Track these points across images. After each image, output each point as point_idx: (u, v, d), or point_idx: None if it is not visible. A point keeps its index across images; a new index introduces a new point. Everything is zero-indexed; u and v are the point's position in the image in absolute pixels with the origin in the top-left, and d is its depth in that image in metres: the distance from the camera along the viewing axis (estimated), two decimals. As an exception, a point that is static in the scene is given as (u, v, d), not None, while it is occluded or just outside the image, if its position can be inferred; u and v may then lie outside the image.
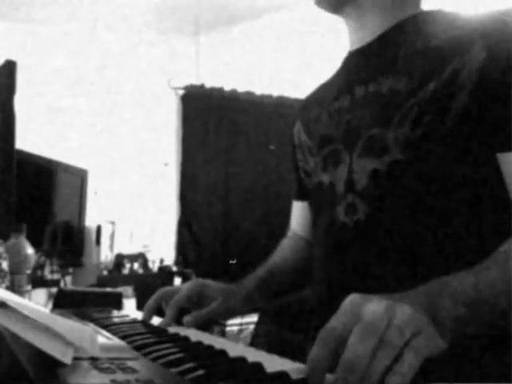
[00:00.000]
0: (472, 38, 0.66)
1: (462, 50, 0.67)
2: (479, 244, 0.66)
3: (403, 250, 0.69)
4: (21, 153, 1.58)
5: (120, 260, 3.04)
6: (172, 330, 0.72)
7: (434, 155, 0.67)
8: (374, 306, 0.45)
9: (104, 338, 0.63)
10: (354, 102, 0.78)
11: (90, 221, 2.54)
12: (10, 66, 1.42)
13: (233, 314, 0.87)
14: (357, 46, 0.84)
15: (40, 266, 1.95)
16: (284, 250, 0.99)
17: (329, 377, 0.43)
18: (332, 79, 0.91)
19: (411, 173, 0.68)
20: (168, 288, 0.85)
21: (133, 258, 3.11)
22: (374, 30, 0.80)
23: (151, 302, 0.82)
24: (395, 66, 0.73)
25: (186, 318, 0.77)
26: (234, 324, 2.69)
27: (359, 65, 0.81)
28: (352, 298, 0.47)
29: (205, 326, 0.78)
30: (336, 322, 0.45)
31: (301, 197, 0.97)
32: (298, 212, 1.00)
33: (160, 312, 0.81)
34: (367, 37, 0.81)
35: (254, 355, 0.52)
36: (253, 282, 0.90)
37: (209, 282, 0.88)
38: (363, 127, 0.74)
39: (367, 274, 0.71)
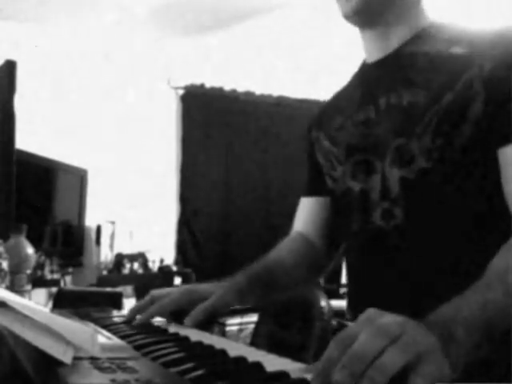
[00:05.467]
0: (480, 51, 0.73)
1: (472, 63, 0.73)
2: None
3: (443, 253, 0.74)
4: (21, 153, 1.58)
5: (120, 260, 3.04)
6: (172, 329, 0.72)
7: (457, 162, 0.73)
8: (389, 318, 0.46)
9: (104, 337, 0.63)
10: (379, 114, 0.82)
11: (90, 221, 2.54)
12: (10, 66, 1.42)
13: (229, 309, 0.87)
14: (376, 56, 0.88)
15: (40, 266, 1.95)
16: (281, 250, 0.99)
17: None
18: (351, 88, 0.95)
19: (439, 179, 0.74)
20: (159, 292, 0.84)
21: (133, 257, 3.11)
22: (394, 41, 0.85)
23: (141, 303, 0.82)
24: (413, 78, 0.79)
25: (186, 319, 0.77)
26: (233, 324, 2.69)
27: (380, 76, 0.85)
28: (369, 311, 0.48)
29: (205, 325, 0.78)
30: (352, 328, 0.46)
31: (312, 193, 1.01)
32: (307, 208, 1.02)
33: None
34: (387, 48, 0.85)
35: (254, 355, 0.52)
36: (246, 277, 0.90)
37: (197, 286, 0.88)
38: (390, 138, 0.79)
39: (405, 274, 0.77)
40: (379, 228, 0.80)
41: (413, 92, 0.78)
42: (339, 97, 0.98)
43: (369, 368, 0.41)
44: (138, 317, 0.79)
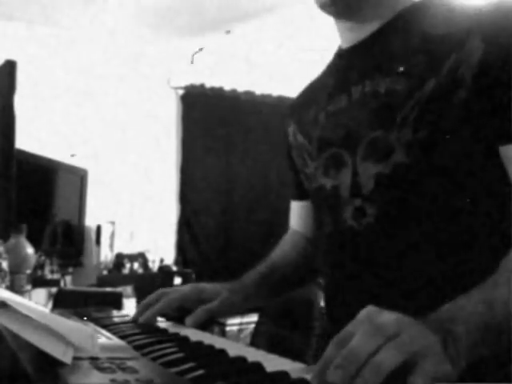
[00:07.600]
0: (469, 31, 0.65)
1: (458, 45, 0.65)
2: (491, 243, 0.65)
3: (416, 253, 0.68)
4: (21, 153, 1.58)
5: (120, 260, 3.04)
6: (172, 329, 0.72)
7: (440, 155, 0.66)
8: (388, 315, 0.46)
9: (104, 337, 0.63)
10: (351, 103, 0.76)
11: (90, 221, 2.54)
12: (10, 66, 1.42)
13: (234, 311, 0.86)
14: (351, 43, 0.81)
15: (40, 266, 1.95)
16: (284, 247, 0.99)
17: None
18: (324, 77, 0.89)
19: (418, 175, 0.67)
20: (167, 289, 0.84)
21: (133, 257, 3.11)
22: (371, 25, 0.78)
23: (149, 299, 0.81)
24: (392, 64, 0.72)
25: (187, 319, 0.76)
26: (233, 324, 2.69)
27: (354, 62, 0.79)
28: (368, 308, 0.47)
29: (205, 325, 0.78)
30: (351, 327, 0.46)
31: (299, 197, 0.97)
32: (297, 212, 1.00)
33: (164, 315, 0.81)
34: (363, 33, 0.79)
35: (253, 355, 0.53)
36: (252, 279, 0.90)
37: (206, 285, 0.86)
38: (364, 129, 0.72)
39: (378, 277, 0.72)
40: (350, 228, 0.74)
41: (391, 79, 0.70)
42: (313, 86, 0.92)
43: (363, 367, 0.40)
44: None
